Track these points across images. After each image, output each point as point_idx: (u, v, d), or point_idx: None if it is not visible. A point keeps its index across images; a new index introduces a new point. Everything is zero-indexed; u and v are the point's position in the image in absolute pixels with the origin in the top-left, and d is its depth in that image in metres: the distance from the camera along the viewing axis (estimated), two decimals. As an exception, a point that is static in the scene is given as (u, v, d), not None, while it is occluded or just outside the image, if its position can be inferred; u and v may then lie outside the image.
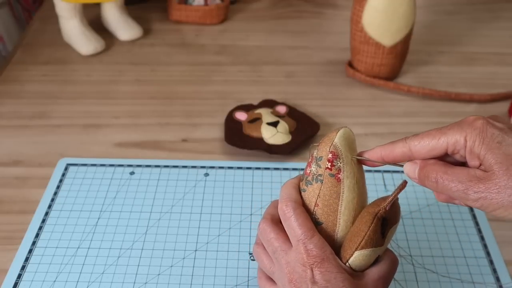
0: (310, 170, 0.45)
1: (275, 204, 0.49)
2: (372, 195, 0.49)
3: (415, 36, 0.86)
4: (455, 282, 0.57)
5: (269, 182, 0.69)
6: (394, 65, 0.86)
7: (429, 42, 0.99)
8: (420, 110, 0.82)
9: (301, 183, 0.47)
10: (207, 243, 0.61)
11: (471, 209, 0.65)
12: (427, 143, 0.40)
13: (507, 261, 0.59)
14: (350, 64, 0.90)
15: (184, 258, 0.59)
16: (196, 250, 0.60)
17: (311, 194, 0.45)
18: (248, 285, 0.56)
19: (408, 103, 0.84)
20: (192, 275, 0.57)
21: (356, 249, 0.44)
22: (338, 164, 0.44)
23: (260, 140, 0.72)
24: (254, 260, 0.59)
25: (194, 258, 0.59)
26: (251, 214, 0.64)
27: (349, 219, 0.45)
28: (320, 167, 0.45)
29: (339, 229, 0.45)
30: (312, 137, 0.75)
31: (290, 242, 0.45)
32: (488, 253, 0.60)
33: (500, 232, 0.62)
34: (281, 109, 0.77)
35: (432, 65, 0.93)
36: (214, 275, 0.57)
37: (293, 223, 0.44)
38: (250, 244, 0.60)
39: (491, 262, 0.59)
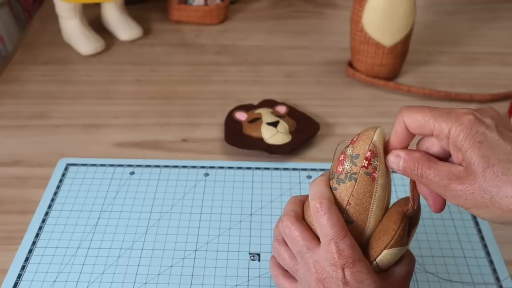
0: (343, 168, 0.44)
1: (296, 201, 0.48)
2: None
3: (415, 36, 0.86)
4: (455, 282, 0.57)
5: (269, 182, 0.69)
6: (394, 65, 0.86)
7: (429, 42, 0.99)
8: (420, 110, 0.82)
9: (331, 181, 0.46)
10: (207, 243, 0.61)
11: (471, 209, 0.65)
12: (417, 120, 0.39)
13: (507, 261, 0.59)
14: (350, 64, 0.90)
15: (184, 258, 0.59)
16: (196, 250, 0.60)
17: (343, 193, 0.44)
18: (248, 285, 0.56)
19: (408, 103, 0.84)
20: (192, 275, 0.57)
21: (385, 248, 0.44)
22: (375, 163, 0.44)
23: (260, 140, 0.72)
24: (254, 260, 0.59)
25: (194, 258, 0.59)
26: (251, 214, 0.64)
27: (378, 218, 0.45)
28: (355, 165, 0.44)
29: (368, 228, 0.45)
30: (312, 137, 0.75)
31: (317, 240, 0.44)
32: (488, 253, 0.60)
33: (500, 232, 0.62)
34: (281, 109, 0.77)
35: (432, 65, 0.93)
36: (214, 275, 0.57)
37: (326, 222, 0.43)
38: (250, 244, 0.60)
39: (491, 262, 0.59)
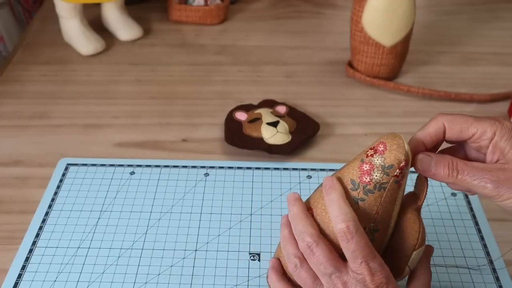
0: (372, 179, 0.43)
1: (306, 215, 0.45)
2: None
3: (415, 36, 0.86)
4: (454, 282, 0.57)
5: (269, 182, 0.69)
6: (394, 65, 0.86)
7: (429, 42, 0.99)
8: (420, 110, 0.82)
9: (354, 192, 0.44)
10: (207, 243, 0.61)
11: (471, 209, 0.65)
12: (460, 123, 0.43)
13: (507, 261, 0.59)
14: (350, 64, 0.90)
15: (184, 258, 0.59)
16: (196, 250, 0.60)
17: (372, 203, 0.43)
18: (248, 285, 0.56)
19: (408, 103, 0.84)
20: (192, 275, 0.57)
21: (414, 250, 0.44)
22: (405, 171, 0.43)
23: (260, 140, 0.72)
24: (254, 260, 0.59)
25: (194, 258, 0.59)
26: (251, 214, 0.64)
27: (395, 220, 0.45)
28: (387, 175, 0.43)
29: (389, 233, 0.45)
30: (312, 137, 0.75)
31: (342, 260, 0.43)
32: (488, 253, 0.60)
33: (500, 232, 0.62)
34: (281, 109, 0.77)
35: (432, 65, 0.93)
36: (214, 275, 0.57)
37: (356, 246, 0.41)
38: (250, 244, 0.61)
39: (491, 262, 0.59)
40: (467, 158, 0.46)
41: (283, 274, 0.49)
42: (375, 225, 0.44)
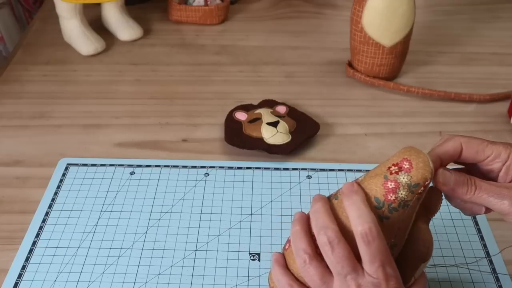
0: (397, 197, 0.42)
1: (329, 210, 0.44)
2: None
3: (414, 36, 0.86)
4: (454, 282, 0.57)
5: (269, 182, 0.69)
6: (394, 65, 0.86)
7: (429, 42, 0.99)
8: (419, 110, 0.82)
9: (379, 210, 0.43)
10: (207, 243, 0.61)
11: (471, 209, 0.65)
12: (476, 145, 0.45)
13: (507, 261, 0.59)
14: (350, 64, 0.90)
15: (184, 258, 0.59)
16: (196, 250, 0.60)
17: (395, 220, 0.43)
18: (248, 285, 0.56)
19: (407, 103, 0.84)
20: (192, 275, 0.57)
21: (424, 261, 0.44)
22: (427, 188, 0.43)
23: (260, 140, 0.72)
24: (254, 260, 0.59)
25: (194, 258, 0.59)
26: (251, 214, 0.64)
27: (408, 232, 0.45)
28: (413, 193, 0.42)
29: (403, 244, 0.45)
30: (312, 137, 0.75)
31: (358, 262, 0.43)
32: (487, 253, 0.60)
33: (500, 232, 0.63)
34: (281, 109, 0.77)
35: (431, 65, 0.93)
36: (214, 275, 0.57)
37: (376, 249, 0.41)
38: (250, 244, 0.61)
39: (490, 262, 0.59)
40: None
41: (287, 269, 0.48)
42: (395, 240, 0.44)
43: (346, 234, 0.42)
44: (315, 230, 0.44)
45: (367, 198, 0.43)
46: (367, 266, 0.42)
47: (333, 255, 0.42)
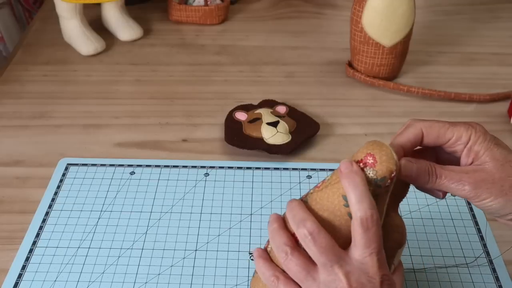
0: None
1: (303, 206, 0.44)
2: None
3: (414, 36, 0.86)
4: (454, 282, 0.57)
5: (269, 182, 0.69)
6: (394, 65, 0.86)
7: (429, 42, 0.99)
8: (419, 110, 0.82)
9: (347, 208, 0.42)
10: (207, 243, 0.61)
11: (471, 209, 0.65)
12: (437, 129, 0.45)
13: (507, 261, 0.59)
14: (350, 64, 0.90)
15: (184, 258, 0.59)
16: (196, 250, 0.60)
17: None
18: (248, 285, 0.56)
19: (407, 103, 0.84)
20: (192, 275, 0.57)
21: (399, 247, 0.44)
22: (394, 180, 0.43)
23: (260, 140, 0.72)
24: (254, 260, 0.59)
25: (194, 258, 0.59)
26: (251, 214, 0.64)
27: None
28: (380, 187, 0.42)
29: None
30: (312, 137, 0.75)
31: (342, 249, 0.42)
32: (487, 253, 0.60)
33: (500, 232, 0.63)
34: (281, 109, 0.78)
35: (431, 65, 0.94)
36: (214, 275, 0.57)
37: (373, 235, 0.41)
38: (250, 244, 0.61)
39: (490, 262, 0.59)
40: (438, 160, 0.47)
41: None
42: None
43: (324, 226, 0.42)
44: (293, 226, 0.43)
45: (335, 199, 0.42)
46: (359, 252, 0.41)
47: (316, 246, 0.41)
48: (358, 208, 0.41)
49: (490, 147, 0.44)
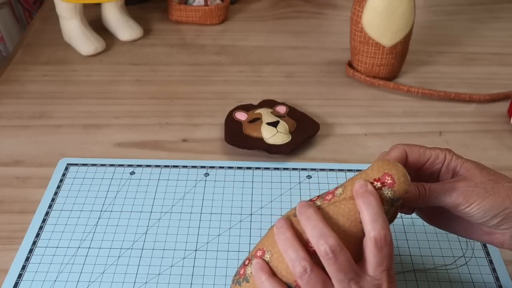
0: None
1: (327, 226, 0.43)
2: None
3: (414, 36, 0.86)
4: (454, 282, 0.57)
5: (269, 182, 0.69)
6: (393, 65, 0.86)
7: (429, 42, 0.99)
8: (419, 110, 0.82)
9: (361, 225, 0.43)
10: (207, 243, 0.61)
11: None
12: (417, 149, 0.49)
13: (507, 261, 0.59)
14: (350, 64, 0.90)
15: (184, 258, 0.59)
16: (196, 250, 0.60)
17: None
18: (248, 285, 0.56)
19: (407, 103, 0.84)
20: (192, 275, 0.57)
21: None
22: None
23: (260, 140, 0.72)
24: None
25: (194, 258, 0.59)
26: (251, 214, 0.64)
27: None
28: (393, 206, 0.44)
29: None
30: (312, 137, 0.75)
31: (357, 266, 0.43)
32: (487, 253, 0.60)
33: (500, 232, 0.62)
34: (281, 109, 0.78)
35: (431, 65, 0.94)
36: (214, 275, 0.57)
37: (386, 254, 0.42)
38: (250, 244, 0.61)
39: (490, 262, 0.59)
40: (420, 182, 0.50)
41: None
42: None
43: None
44: (312, 238, 0.43)
45: (354, 216, 0.43)
46: (372, 269, 0.42)
47: (336, 264, 0.42)
48: (372, 227, 0.42)
49: (464, 162, 0.49)
